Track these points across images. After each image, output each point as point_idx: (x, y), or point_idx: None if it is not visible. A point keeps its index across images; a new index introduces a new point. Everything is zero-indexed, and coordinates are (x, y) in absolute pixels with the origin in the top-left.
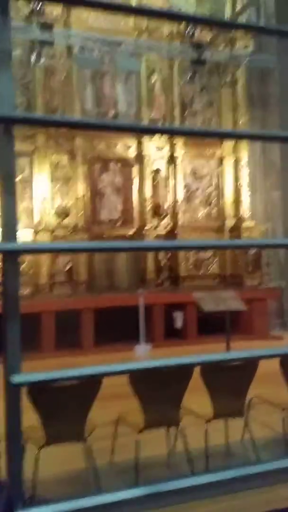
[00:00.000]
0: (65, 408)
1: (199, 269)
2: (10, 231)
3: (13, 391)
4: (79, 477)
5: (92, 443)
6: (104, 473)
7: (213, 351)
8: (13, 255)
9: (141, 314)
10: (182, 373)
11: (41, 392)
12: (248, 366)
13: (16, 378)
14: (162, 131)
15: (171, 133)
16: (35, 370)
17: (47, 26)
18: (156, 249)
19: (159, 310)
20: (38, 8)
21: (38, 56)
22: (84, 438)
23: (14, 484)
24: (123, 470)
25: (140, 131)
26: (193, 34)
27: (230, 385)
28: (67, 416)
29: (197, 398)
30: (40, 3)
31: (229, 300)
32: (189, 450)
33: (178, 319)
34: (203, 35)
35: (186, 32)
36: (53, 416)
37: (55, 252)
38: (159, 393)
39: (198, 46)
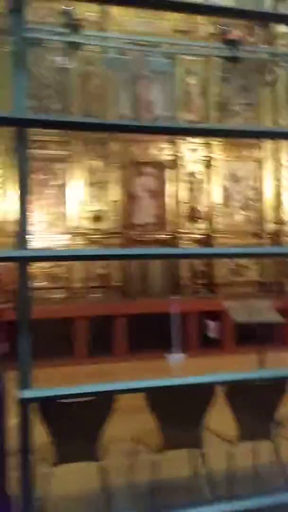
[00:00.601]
0: (77, 426)
1: (237, 275)
2: (22, 238)
3: (22, 406)
4: (91, 497)
5: (106, 461)
6: (118, 494)
7: (249, 363)
8: (24, 263)
9: (174, 322)
10: (204, 391)
11: (50, 409)
12: (278, 385)
13: (25, 394)
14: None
15: (210, 133)
16: (66, 377)
17: (76, 29)
18: (177, 257)
19: (194, 318)
20: (68, 10)
21: (69, 60)
22: (97, 458)
23: (24, 501)
24: (139, 493)
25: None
26: (227, 30)
27: (256, 405)
28: (78, 434)
29: (222, 416)
30: (71, 6)
31: (264, 311)
32: (212, 474)
33: (211, 328)
34: (239, 31)
35: (220, 28)
36: (63, 434)
37: (68, 259)
38: (178, 413)
39: (232, 43)
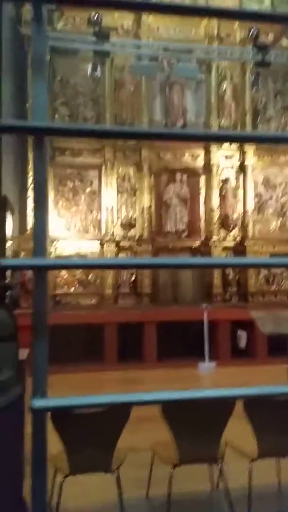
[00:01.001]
0: (90, 437)
1: (271, 284)
2: (39, 246)
3: (35, 415)
4: (105, 510)
5: (121, 472)
6: (132, 507)
7: (280, 374)
8: (40, 271)
9: (205, 330)
10: (222, 405)
11: (64, 419)
12: None
13: (37, 403)
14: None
15: (243, 140)
16: (95, 383)
17: (105, 37)
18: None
19: (225, 326)
20: (95, 18)
21: (95, 68)
22: (111, 469)
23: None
24: (153, 507)
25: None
26: (257, 35)
27: (277, 421)
28: (92, 445)
29: (242, 429)
30: (97, 14)
31: None
32: (231, 490)
33: (242, 338)
34: (269, 36)
35: (250, 33)
36: (77, 444)
37: (86, 268)
38: (195, 427)
39: (263, 48)
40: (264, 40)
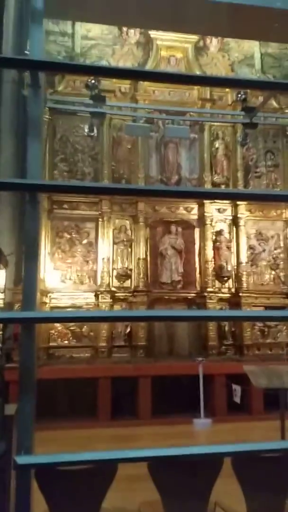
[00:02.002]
0: (75, 495)
1: (266, 337)
2: (29, 298)
3: (19, 472)
4: None
5: None
6: None
7: (276, 430)
8: (28, 324)
9: (201, 385)
10: (210, 463)
11: (47, 476)
12: None
13: (21, 459)
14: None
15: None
16: (87, 440)
17: (100, 100)
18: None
19: (221, 380)
20: (93, 82)
21: (91, 128)
22: None
23: None
24: None
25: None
26: (245, 99)
27: (267, 479)
28: (77, 505)
29: (232, 487)
30: (93, 79)
31: (285, 376)
32: None
33: (237, 392)
34: (259, 98)
35: (238, 96)
36: (60, 504)
37: (75, 321)
38: (182, 485)
39: (250, 110)
40: (254, 102)
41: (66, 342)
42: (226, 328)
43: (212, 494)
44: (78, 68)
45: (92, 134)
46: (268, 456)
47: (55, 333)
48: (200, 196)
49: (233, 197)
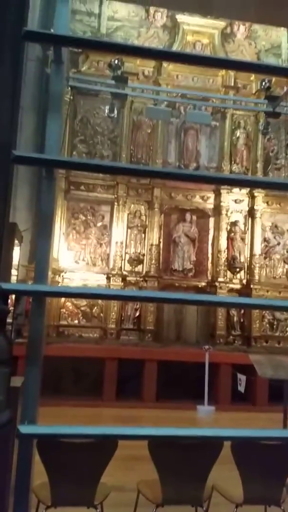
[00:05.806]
0: (74, 468)
1: (275, 329)
2: (41, 273)
3: (21, 442)
4: None
5: (104, 510)
6: None
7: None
8: (38, 297)
9: (206, 373)
10: (209, 446)
11: (49, 447)
12: None
13: (24, 429)
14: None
15: (251, 184)
16: (91, 418)
17: (123, 81)
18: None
19: (227, 370)
20: (116, 63)
21: (112, 109)
22: (94, 504)
23: None
24: None
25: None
26: (269, 87)
27: (264, 466)
28: (76, 477)
29: (230, 473)
30: (117, 59)
31: None
32: None
33: (242, 382)
34: (280, 89)
35: (262, 85)
36: (60, 475)
37: (85, 297)
38: (181, 467)
39: (273, 99)
40: (279, 92)
41: (76, 321)
42: (235, 319)
43: (210, 479)
44: (102, 45)
45: (112, 115)
46: (268, 443)
47: (66, 312)
48: (218, 182)
49: (250, 185)
